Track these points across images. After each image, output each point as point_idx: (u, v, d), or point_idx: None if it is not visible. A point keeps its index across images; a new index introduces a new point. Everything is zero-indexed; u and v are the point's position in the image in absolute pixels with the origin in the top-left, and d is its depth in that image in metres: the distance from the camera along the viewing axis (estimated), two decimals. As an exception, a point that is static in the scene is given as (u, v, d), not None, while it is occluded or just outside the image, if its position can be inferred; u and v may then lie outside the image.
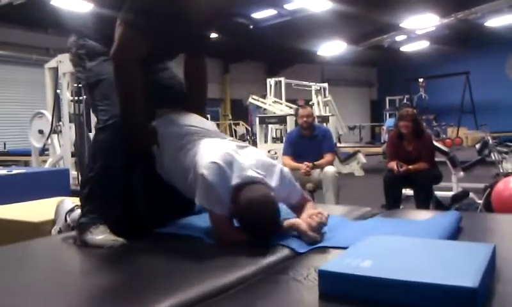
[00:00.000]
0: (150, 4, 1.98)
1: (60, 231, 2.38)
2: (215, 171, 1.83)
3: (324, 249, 1.76)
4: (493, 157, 6.43)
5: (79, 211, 2.17)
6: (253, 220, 1.81)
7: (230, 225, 1.90)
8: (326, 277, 1.26)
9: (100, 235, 1.93)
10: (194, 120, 2.27)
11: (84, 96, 5.72)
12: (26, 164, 8.80)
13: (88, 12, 2.26)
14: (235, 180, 1.86)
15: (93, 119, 4.81)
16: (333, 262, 1.34)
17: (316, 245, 1.79)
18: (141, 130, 2.08)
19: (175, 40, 2.19)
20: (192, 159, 1.96)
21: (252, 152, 2.06)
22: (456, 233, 1.90)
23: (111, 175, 2.02)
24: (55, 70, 6.69)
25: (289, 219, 1.94)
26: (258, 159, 2.00)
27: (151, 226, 2.11)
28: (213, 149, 1.95)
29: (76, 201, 2.36)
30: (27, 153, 8.29)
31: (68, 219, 2.36)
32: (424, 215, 2.42)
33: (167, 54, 2.38)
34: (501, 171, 6.14)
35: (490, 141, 6.62)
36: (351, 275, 1.23)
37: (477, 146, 6.86)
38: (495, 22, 14.98)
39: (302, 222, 1.90)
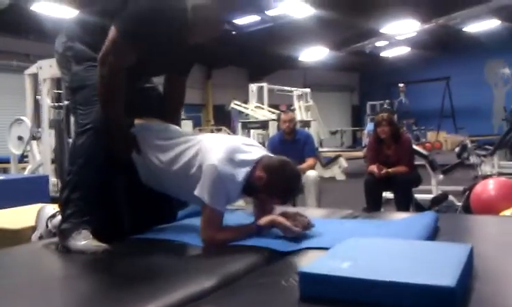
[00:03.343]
0: (148, 19, 1.95)
1: (41, 237, 2.36)
2: (226, 162, 1.90)
3: (305, 251, 1.78)
4: (472, 160, 6.53)
5: (60, 217, 2.16)
6: (285, 180, 1.97)
7: (221, 224, 1.95)
8: (306, 278, 1.27)
9: (83, 241, 1.92)
10: (174, 128, 2.28)
11: (65, 102, 5.67)
12: (5, 171, 8.67)
13: (79, 17, 2.24)
14: (254, 157, 1.98)
15: (73, 125, 4.76)
16: (313, 264, 1.36)
17: (297, 247, 1.80)
18: (121, 135, 2.07)
19: (164, 60, 2.19)
20: (195, 155, 2.00)
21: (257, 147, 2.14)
22: (433, 233, 1.94)
23: (88, 178, 2.02)
24: (35, 76, 6.61)
25: (265, 217, 1.99)
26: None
27: (131, 231, 2.10)
28: (221, 143, 2.01)
29: (57, 207, 2.34)
30: (6, 161, 8.16)
31: (49, 225, 2.34)
32: (403, 217, 2.45)
33: (153, 72, 2.38)
34: (479, 173, 6.26)
35: (469, 145, 6.73)
36: (331, 277, 1.24)
37: (457, 149, 6.98)
38: (474, 28, 15.22)
39: (282, 218, 1.95)
